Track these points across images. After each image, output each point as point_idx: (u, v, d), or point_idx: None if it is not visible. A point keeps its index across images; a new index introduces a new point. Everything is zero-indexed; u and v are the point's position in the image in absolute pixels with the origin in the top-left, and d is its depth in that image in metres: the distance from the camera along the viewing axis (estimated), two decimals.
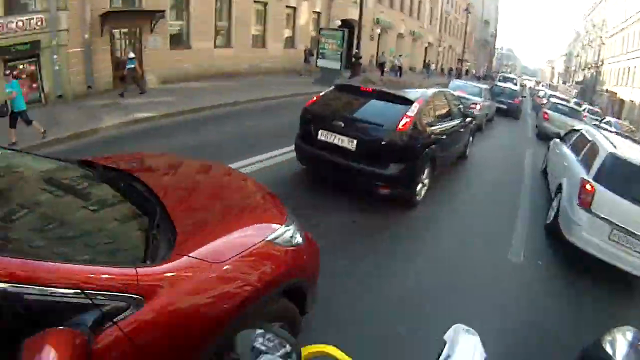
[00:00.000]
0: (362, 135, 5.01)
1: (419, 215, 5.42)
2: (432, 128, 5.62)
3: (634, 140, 12.48)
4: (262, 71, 17.93)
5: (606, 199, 4.71)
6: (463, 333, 1.34)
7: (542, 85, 54.87)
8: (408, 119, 4.96)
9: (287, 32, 20.62)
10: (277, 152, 6.83)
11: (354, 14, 22.19)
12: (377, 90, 5.54)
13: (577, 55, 67.66)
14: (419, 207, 5.55)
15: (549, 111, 14.80)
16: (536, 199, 7.01)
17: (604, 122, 19.25)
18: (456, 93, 11.85)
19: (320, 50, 17.84)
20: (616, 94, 39.45)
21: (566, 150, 6.86)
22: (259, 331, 1.09)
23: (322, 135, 5.25)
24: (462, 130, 7.15)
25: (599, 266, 4.72)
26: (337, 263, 3.76)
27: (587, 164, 5.45)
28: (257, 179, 3.06)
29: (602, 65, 48.14)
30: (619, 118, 26.82)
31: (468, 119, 7.59)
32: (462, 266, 4.37)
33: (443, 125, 6.06)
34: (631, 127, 21.59)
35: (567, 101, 21.69)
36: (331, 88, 6.07)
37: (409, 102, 5.20)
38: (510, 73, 58.05)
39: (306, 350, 1.24)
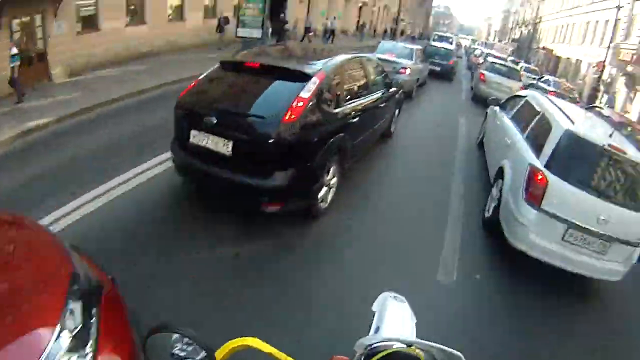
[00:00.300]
0: (239, 134, 3.60)
1: (322, 230, 4.14)
2: (341, 109, 4.30)
3: (591, 109, 11.79)
4: (180, 47, 15.81)
5: (562, 192, 3.69)
6: (391, 300, 1.44)
7: (479, 44, 54.87)
8: (300, 104, 3.58)
9: (208, 0, 18.40)
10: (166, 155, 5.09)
11: None
12: (265, 65, 4.10)
13: (516, 12, 66.89)
14: (323, 219, 4.27)
15: (485, 72, 13.62)
16: (472, 185, 5.94)
17: (542, 81, 18.63)
18: (384, 56, 10.73)
19: (241, 18, 15.86)
20: (552, 51, 39.18)
21: (508, 122, 5.76)
22: (176, 336, 1.01)
23: (194, 137, 3.80)
24: (384, 104, 5.94)
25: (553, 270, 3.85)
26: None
27: (535, 143, 4.37)
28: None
29: (539, 22, 47.73)
30: (555, 75, 26.71)
31: (393, 90, 6.35)
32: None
33: (357, 103, 4.76)
34: (570, 85, 21.35)
35: (505, 60, 21.03)
36: (215, 66, 4.54)
37: (305, 78, 3.83)
38: (446, 32, 57.56)
39: (227, 348, 1.09)
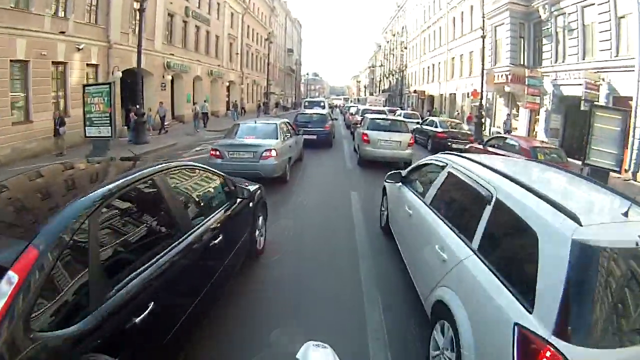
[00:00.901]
0: None
1: None
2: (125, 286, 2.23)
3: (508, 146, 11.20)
4: (28, 155, 12.84)
5: None
6: (314, 349, 1.38)
7: (352, 101, 56.22)
8: None
9: (55, 97, 15.45)
10: None
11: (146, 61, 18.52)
12: None
13: (382, 65, 70.78)
14: None
15: (367, 131, 12.06)
16: (395, 308, 4.01)
17: (426, 124, 18.54)
18: (245, 140, 8.89)
19: (87, 115, 13.43)
20: (424, 92, 41.15)
21: (429, 213, 3.84)
22: None
23: None
24: (224, 235, 3.59)
25: None
26: None
27: (507, 270, 2.44)
28: None
29: (406, 69, 50.73)
30: (433, 115, 27.04)
31: (240, 200, 4.30)
32: None
33: (162, 261, 2.60)
34: (455, 120, 21.87)
35: (384, 112, 21.01)
36: None
37: None
38: (318, 96, 59.72)
39: None
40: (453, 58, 32.82)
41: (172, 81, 25.38)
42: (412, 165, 5.46)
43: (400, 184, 5.17)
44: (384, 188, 6.14)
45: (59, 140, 13.39)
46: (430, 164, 4.69)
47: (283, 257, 5.20)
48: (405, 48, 50.53)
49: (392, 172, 5.50)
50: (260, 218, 5.10)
